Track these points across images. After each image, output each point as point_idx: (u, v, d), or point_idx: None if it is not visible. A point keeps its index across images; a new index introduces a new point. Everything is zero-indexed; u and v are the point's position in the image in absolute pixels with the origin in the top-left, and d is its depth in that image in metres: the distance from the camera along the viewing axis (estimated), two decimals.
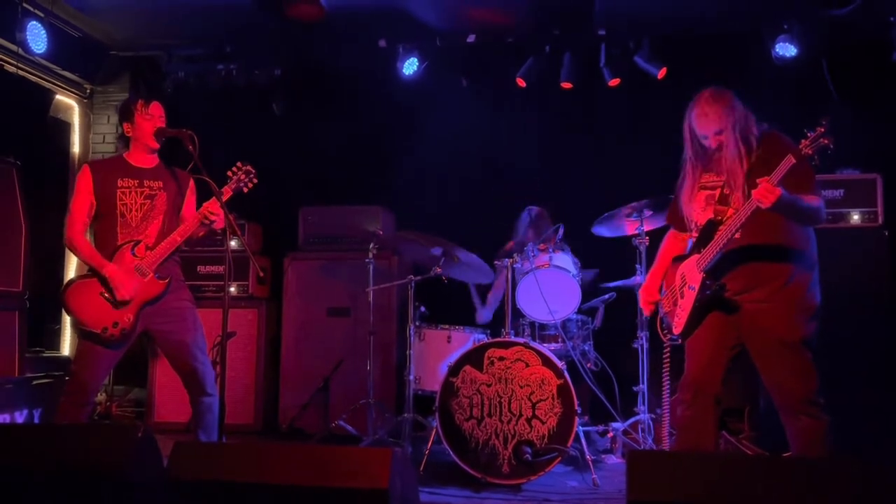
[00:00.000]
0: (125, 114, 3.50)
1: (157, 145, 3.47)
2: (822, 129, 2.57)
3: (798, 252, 2.86)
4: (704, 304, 2.87)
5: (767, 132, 2.91)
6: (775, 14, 4.95)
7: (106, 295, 3.32)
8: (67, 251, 5.86)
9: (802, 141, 2.62)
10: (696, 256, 2.92)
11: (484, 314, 4.85)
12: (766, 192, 2.60)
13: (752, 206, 2.70)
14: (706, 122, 2.90)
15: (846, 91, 4.97)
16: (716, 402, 2.88)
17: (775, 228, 2.82)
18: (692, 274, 2.92)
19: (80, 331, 3.33)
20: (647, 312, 3.25)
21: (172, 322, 3.44)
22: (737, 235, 2.80)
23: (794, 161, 2.61)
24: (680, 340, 2.98)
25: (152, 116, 3.46)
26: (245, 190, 3.48)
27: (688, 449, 2.90)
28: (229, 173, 3.46)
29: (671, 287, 3.06)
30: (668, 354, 3.22)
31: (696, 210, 2.97)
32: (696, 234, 2.96)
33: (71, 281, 3.44)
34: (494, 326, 4.44)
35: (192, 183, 3.59)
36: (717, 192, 2.90)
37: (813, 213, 2.80)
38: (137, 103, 3.47)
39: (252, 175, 3.48)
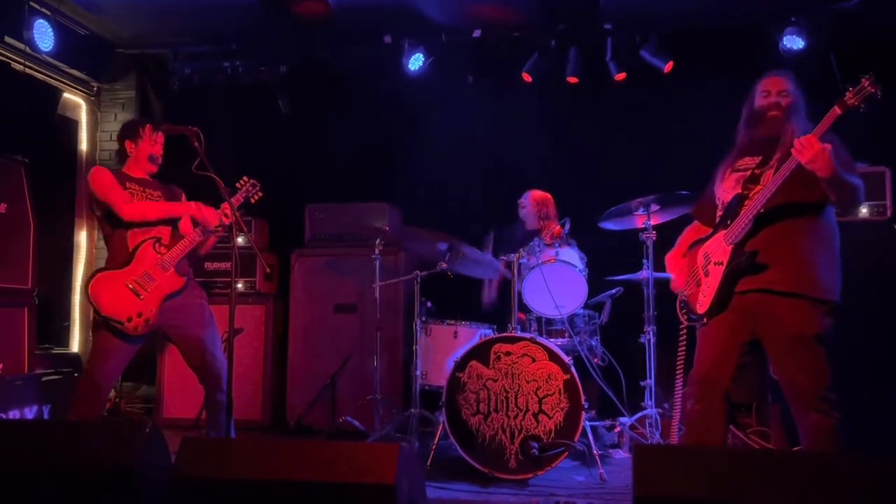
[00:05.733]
0: (131, 133, 3.60)
1: (154, 169, 3.62)
2: (867, 81, 2.55)
3: (821, 239, 2.83)
4: (736, 274, 2.83)
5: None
6: (782, 7, 4.92)
7: (131, 286, 3.40)
8: (76, 248, 5.89)
9: (847, 93, 2.58)
10: (721, 233, 2.91)
11: (490, 296, 4.83)
12: (807, 143, 2.57)
13: (789, 167, 2.67)
14: (777, 80, 2.94)
15: (854, 83, 4.93)
16: (725, 398, 2.85)
17: (801, 210, 2.79)
18: (719, 249, 2.90)
19: (104, 321, 3.38)
20: (676, 286, 3.16)
21: (186, 318, 3.52)
22: (762, 210, 2.77)
23: (839, 112, 2.59)
24: (705, 320, 2.93)
25: (157, 143, 3.59)
26: (253, 201, 3.66)
27: (695, 444, 2.89)
28: (238, 184, 3.61)
29: (692, 268, 3.05)
30: (685, 338, 3.20)
31: (726, 190, 2.97)
32: (722, 212, 2.95)
33: (93, 273, 3.50)
34: (500, 321, 4.44)
35: (183, 197, 3.75)
36: (749, 173, 2.90)
37: (852, 188, 2.73)
38: (146, 127, 3.60)
39: (257, 188, 3.66)
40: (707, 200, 3.15)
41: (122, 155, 3.65)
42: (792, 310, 2.75)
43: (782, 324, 2.76)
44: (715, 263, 2.91)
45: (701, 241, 3.05)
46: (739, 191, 2.88)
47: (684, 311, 3.07)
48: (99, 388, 3.39)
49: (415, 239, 4.43)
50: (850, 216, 4.27)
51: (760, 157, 2.89)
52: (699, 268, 3.01)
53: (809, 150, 2.58)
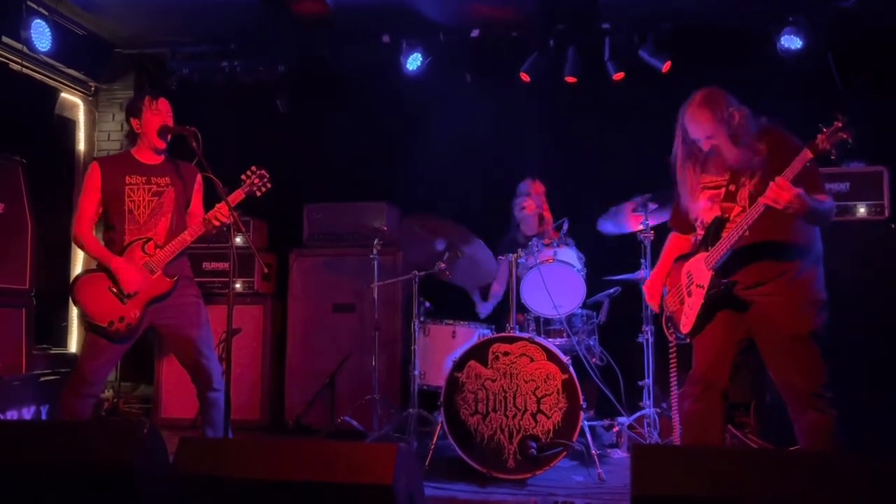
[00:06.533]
0: (133, 110, 3.51)
1: (163, 144, 3.49)
2: (840, 124, 2.51)
3: (805, 248, 2.84)
4: (715, 301, 2.85)
5: (767, 128, 2.86)
6: (781, 6, 4.92)
7: (113, 290, 3.36)
8: (74, 248, 5.89)
9: (819, 136, 2.56)
10: (702, 254, 2.89)
11: (484, 308, 4.83)
12: (781, 189, 2.55)
13: (760, 208, 2.65)
14: (697, 127, 2.89)
15: (852, 83, 4.93)
16: (723, 397, 2.87)
17: (782, 225, 2.78)
18: (700, 272, 2.90)
19: (87, 324, 3.38)
20: (655, 308, 3.21)
21: (178, 317, 3.48)
22: (745, 234, 2.76)
23: (811, 156, 2.56)
24: (688, 340, 2.95)
25: (160, 111, 3.48)
26: (258, 194, 3.52)
27: (694, 443, 2.89)
28: (243, 177, 3.50)
29: (676, 286, 3.03)
30: (675, 353, 3.20)
31: (703, 209, 2.95)
32: (702, 232, 2.93)
33: (80, 275, 3.49)
34: (499, 321, 4.44)
35: (199, 178, 3.61)
36: (723, 190, 2.88)
37: (826, 214, 2.76)
38: (145, 99, 3.49)
39: (266, 179, 3.52)
40: (680, 210, 3.11)
41: (132, 136, 3.54)
42: (785, 312, 2.76)
43: (777, 326, 2.77)
44: (697, 286, 2.91)
45: (685, 257, 3.03)
46: (718, 213, 2.86)
47: (671, 328, 3.08)
48: (89, 383, 3.37)
49: (413, 238, 4.41)
50: (849, 216, 4.28)
51: (728, 174, 2.87)
52: (682, 286, 3.00)
53: (783, 197, 2.56)
